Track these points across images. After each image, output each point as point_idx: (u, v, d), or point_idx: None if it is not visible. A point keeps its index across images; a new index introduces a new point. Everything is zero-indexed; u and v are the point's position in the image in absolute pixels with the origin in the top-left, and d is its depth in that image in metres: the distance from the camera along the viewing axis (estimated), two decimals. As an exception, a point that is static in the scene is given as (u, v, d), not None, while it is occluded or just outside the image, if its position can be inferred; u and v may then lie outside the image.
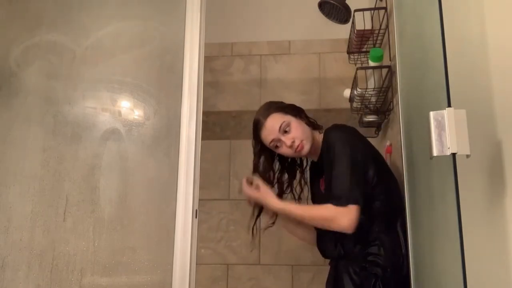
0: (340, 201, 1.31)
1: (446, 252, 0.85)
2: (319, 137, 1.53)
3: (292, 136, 1.47)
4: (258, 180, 1.52)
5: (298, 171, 1.66)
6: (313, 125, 1.57)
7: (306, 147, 1.47)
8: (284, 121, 1.48)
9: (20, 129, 1.39)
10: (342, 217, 1.30)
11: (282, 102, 1.58)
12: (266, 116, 1.51)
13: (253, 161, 1.58)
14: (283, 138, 1.47)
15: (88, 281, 1.25)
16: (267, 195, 1.48)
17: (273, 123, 1.49)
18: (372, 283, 1.33)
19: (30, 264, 1.26)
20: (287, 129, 1.48)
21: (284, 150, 1.49)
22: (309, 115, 1.58)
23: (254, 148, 1.58)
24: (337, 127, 1.50)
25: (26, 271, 1.25)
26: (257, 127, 1.52)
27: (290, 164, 1.64)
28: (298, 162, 1.66)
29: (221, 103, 2.44)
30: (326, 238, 1.51)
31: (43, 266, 1.25)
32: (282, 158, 1.62)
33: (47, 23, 1.49)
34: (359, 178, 1.35)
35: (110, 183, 1.34)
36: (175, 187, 1.28)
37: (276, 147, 1.50)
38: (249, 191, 1.51)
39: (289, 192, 1.63)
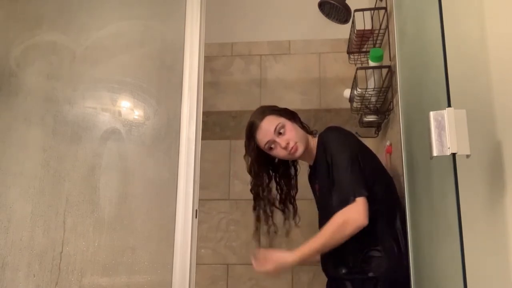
0: (346, 203, 1.31)
1: (446, 252, 0.85)
2: (313, 141, 1.54)
3: (286, 138, 1.48)
4: (261, 251, 1.43)
5: (292, 177, 1.66)
6: (306, 130, 1.58)
7: (300, 149, 1.48)
8: (279, 123, 1.49)
9: (20, 129, 1.39)
10: (353, 214, 1.30)
11: (276, 106, 1.59)
12: (261, 118, 1.52)
13: (247, 164, 1.59)
14: (277, 139, 1.48)
15: (88, 281, 1.25)
16: (279, 259, 1.38)
17: (268, 125, 1.50)
18: (374, 285, 1.33)
19: (30, 264, 1.26)
20: (281, 131, 1.49)
21: (279, 152, 1.50)
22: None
23: (248, 151, 1.57)
24: (331, 129, 1.51)
25: (26, 271, 1.25)
26: (252, 129, 1.53)
27: (284, 169, 1.65)
28: (293, 168, 1.67)
29: (221, 103, 2.44)
30: (326, 257, 1.51)
31: (43, 266, 1.25)
32: (277, 164, 1.62)
33: (47, 23, 1.49)
34: (359, 172, 1.35)
35: (110, 183, 1.34)
36: (175, 187, 1.28)
37: (271, 148, 1.51)
38: (262, 267, 1.39)
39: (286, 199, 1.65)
